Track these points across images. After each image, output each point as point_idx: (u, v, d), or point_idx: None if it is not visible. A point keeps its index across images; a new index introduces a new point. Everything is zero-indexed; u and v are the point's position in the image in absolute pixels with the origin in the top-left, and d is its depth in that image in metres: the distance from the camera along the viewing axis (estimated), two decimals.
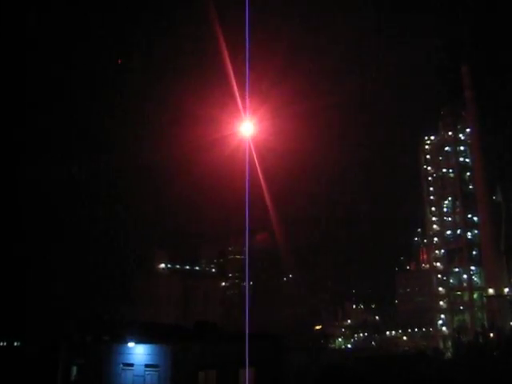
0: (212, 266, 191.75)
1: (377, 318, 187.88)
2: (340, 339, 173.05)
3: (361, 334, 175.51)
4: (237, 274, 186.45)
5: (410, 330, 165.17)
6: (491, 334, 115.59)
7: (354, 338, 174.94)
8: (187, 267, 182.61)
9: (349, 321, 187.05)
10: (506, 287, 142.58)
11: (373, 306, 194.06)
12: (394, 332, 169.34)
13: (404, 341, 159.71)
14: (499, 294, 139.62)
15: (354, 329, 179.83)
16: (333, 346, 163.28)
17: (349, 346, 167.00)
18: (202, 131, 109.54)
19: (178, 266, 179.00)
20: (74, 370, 44.50)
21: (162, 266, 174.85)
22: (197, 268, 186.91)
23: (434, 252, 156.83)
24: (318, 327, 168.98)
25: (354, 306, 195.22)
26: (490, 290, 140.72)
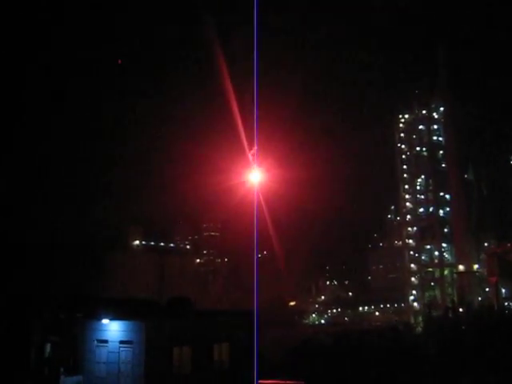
0: (187, 242, 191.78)
1: (350, 294, 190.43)
2: (314, 315, 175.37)
3: (334, 310, 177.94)
4: (211, 251, 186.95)
5: (382, 306, 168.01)
6: (460, 309, 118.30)
7: (327, 313, 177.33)
8: (162, 244, 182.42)
9: (322, 297, 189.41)
10: (475, 264, 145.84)
11: (346, 283, 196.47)
12: (366, 307, 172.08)
13: (376, 316, 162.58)
14: (469, 271, 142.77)
15: (327, 305, 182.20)
16: (306, 321, 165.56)
17: (322, 321, 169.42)
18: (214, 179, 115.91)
19: (152, 243, 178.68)
20: (48, 347, 44.32)
21: (137, 242, 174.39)
22: (171, 245, 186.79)
23: (406, 229, 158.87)
24: (292, 303, 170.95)
25: (328, 283, 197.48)
26: (460, 267, 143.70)
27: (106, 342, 41.14)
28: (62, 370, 41.47)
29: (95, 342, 41.77)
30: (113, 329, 40.98)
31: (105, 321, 41.27)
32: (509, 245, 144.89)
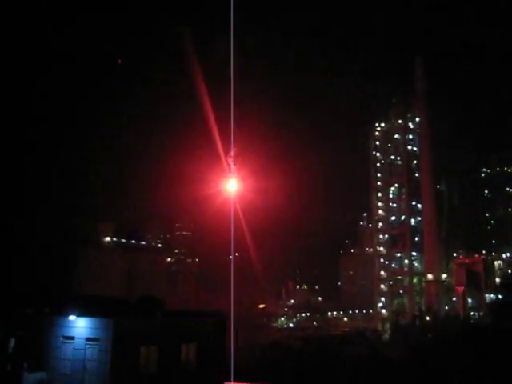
0: (158, 241, 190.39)
1: (320, 298, 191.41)
2: (283, 318, 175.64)
3: (303, 314, 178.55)
4: (183, 251, 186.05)
5: (351, 312, 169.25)
6: (427, 317, 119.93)
7: (296, 317, 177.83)
8: (133, 242, 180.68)
9: (292, 301, 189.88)
10: (443, 273, 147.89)
11: (316, 287, 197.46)
12: (335, 313, 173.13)
13: (345, 322, 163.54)
14: (437, 280, 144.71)
15: (296, 309, 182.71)
16: (275, 324, 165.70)
17: (291, 325, 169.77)
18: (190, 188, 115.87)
19: (123, 240, 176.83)
20: (12, 342, 43.52)
21: (108, 239, 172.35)
22: (143, 243, 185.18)
23: (378, 236, 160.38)
24: (261, 306, 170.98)
25: (298, 287, 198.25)
26: (429, 276, 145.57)
27: (72, 338, 40.53)
28: (25, 365, 40.71)
29: (61, 338, 41.11)
30: (80, 325, 40.40)
31: (72, 317, 40.65)
32: (477, 256, 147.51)
